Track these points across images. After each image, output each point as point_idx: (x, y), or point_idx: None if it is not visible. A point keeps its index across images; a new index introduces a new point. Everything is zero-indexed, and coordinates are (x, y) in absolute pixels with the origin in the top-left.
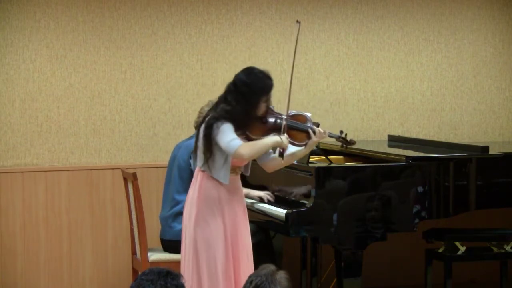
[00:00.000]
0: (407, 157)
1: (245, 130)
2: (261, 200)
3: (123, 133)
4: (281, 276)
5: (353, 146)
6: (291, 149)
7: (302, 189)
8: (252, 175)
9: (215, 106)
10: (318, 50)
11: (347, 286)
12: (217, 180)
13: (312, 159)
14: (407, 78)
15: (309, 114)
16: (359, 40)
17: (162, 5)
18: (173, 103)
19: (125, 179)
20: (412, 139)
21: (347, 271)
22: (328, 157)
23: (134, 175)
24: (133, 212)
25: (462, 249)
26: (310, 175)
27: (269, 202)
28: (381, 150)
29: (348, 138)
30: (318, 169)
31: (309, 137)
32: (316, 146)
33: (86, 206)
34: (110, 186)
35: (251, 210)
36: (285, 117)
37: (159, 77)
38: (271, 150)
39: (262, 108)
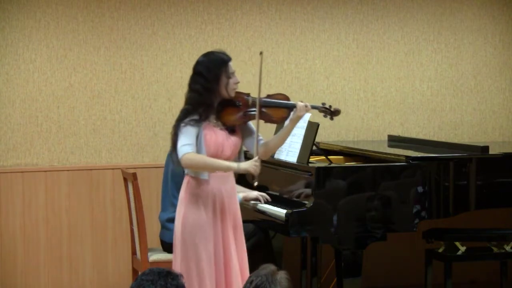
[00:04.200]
0: (407, 157)
1: (216, 114)
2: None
3: (123, 133)
4: (281, 276)
5: (353, 146)
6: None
7: (302, 189)
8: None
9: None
10: (318, 50)
11: (347, 286)
12: (199, 179)
13: (312, 159)
14: (407, 78)
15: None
16: (359, 40)
17: (162, 5)
18: (173, 103)
19: (125, 179)
20: (412, 139)
21: (347, 271)
22: (328, 157)
23: (134, 175)
24: (133, 212)
25: (462, 249)
26: (310, 175)
27: (268, 202)
28: (381, 150)
29: (333, 108)
30: (318, 169)
31: (289, 113)
32: (316, 146)
33: (86, 206)
34: (110, 186)
35: (251, 210)
36: (258, 97)
37: (159, 77)
38: (260, 138)
39: (225, 84)
